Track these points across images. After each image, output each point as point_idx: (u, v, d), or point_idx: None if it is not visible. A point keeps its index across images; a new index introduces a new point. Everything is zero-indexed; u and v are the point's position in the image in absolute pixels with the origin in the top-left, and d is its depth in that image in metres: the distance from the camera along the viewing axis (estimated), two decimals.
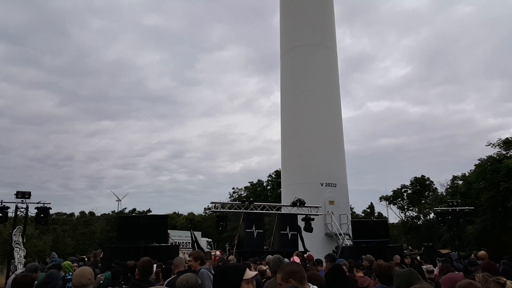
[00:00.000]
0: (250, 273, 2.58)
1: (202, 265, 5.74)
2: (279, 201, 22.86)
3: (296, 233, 16.77)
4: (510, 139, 24.93)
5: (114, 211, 57.52)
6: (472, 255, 14.31)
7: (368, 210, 49.78)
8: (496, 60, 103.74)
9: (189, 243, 25.17)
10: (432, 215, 35.72)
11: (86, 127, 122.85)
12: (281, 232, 16.48)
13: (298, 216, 17.56)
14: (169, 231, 17.36)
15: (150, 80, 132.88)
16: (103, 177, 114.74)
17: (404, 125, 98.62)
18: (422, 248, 31.20)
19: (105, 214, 57.93)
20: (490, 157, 24.91)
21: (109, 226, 46.00)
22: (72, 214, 64.36)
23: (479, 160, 26.53)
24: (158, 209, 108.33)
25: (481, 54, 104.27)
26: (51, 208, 15.66)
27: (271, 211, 17.85)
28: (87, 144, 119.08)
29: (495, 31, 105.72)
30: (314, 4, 24.62)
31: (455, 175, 36.03)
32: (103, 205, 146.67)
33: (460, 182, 32.36)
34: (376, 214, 48.64)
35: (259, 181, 49.57)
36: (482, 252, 10.15)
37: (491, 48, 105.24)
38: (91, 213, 60.95)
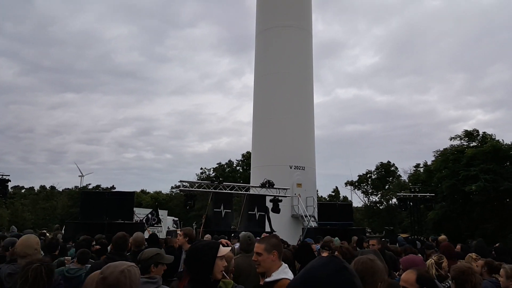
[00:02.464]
0: (223, 250, 2.62)
1: (190, 243, 5.67)
2: (249, 183, 22.88)
3: (263, 213, 16.86)
4: (471, 131, 26.07)
5: (77, 186, 55.83)
6: (430, 239, 14.96)
7: (333, 194, 51.09)
8: (460, 54, 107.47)
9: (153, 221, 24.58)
10: (394, 200, 37.12)
11: (49, 99, 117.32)
12: (249, 212, 16.53)
13: (267, 197, 17.66)
14: (134, 208, 16.99)
15: (118, 54, 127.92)
16: (66, 152, 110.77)
17: (370, 112, 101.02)
18: (384, 232, 32.42)
19: (67, 189, 56.23)
20: (452, 147, 25.97)
21: (72, 201, 44.79)
22: (32, 188, 61.92)
23: (440, 151, 27.61)
24: (123, 187, 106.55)
25: (446, 48, 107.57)
26: (10, 180, 14.99)
27: (240, 192, 17.84)
28: (50, 117, 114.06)
29: (460, 26, 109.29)
30: None
31: (418, 163, 37.48)
32: (65, 180, 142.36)
33: (422, 170, 33.69)
34: (341, 198, 49.98)
35: (229, 161, 49.51)
36: (442, 237, 10.54)
37: (456, 42, 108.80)
38: (52, 188, 58.97)
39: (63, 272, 4.49)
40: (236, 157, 49.75)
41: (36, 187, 61.74)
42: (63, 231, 14.57)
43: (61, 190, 56.67)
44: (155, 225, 20.20)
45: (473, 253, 4.96)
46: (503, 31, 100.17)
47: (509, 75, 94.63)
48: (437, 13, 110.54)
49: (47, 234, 13.05)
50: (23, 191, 61.19)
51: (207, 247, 2.59)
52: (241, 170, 46.90)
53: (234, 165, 48.59)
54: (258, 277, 4.37)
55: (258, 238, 8.27)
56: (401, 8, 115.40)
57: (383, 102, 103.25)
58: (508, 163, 23.18)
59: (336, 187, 52.23)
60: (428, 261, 4.49)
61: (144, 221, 16.68)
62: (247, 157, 43.59)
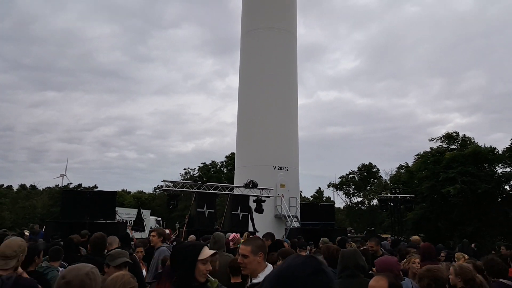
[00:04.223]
0: (206, 253, 2.48)
1: (163, 242, 5.82)
2: (233, 183, 22.93)
3: (247, 214, 16.95)
4: (451, 133, 26.69)
5: (58, 185, 54.81)
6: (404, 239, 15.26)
7: (317, 195, 51.50)
8: (437, 59, 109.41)
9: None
10: (375, 201, 37.67)
11: (29, 96, 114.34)
12: (233, 212, 16.58)
13: (250, 197, 17.74)
14: (116, 208, 16.81)
15: (100, 53, 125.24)
16: (47, 150, 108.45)
17: (351, 115, 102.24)
18: (365, 232, 32.85)
19: (49, 187, 55.15)
20: (432, 149, 26.53)
21: (52, 201, 43.98)
22: (10, 186, 60.43)
23: (421, 153, 28.15)
24: (105, 186, 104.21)
25: (424, 53, 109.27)
26: None
27: (223, 192, 17.87)
28: (30, 115, 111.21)
29: (437, 31, 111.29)
30: None
31: (401, 164, 38.14)
32: (46, 179, 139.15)
33: (403, 171, 34.30)
34: (324, 198, 50.42)
35: (213, 162, 49.39)
36: (415, 237, 10.64)
37: (433, 47, 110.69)
38: (33, 187, 57.76)
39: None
40: (219, 157, 49.62)
41: (15, 186, 60.41)
42: (43, 230, 14.36)
43: (41, 189, 55.57)
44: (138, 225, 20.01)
45: (465, 254, 5.02)
46: (478, 38, 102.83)
47: (485, 80, 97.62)
48: (415, 19, 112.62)
49: (26, 234, 12.83)
50: (1, 189, 59.69)
51: (189, 248, 2.47)
52: (225, 171, 46.83)
53: (219, 166, 48.51)
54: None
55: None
56: (380, 14, 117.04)
57: (363, 105, 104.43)
58: (486, 166, 23.83)
59: (319, 187, 52.72)
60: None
61: (133, 227, 16.46)
62: (231, 158, 43.57)
